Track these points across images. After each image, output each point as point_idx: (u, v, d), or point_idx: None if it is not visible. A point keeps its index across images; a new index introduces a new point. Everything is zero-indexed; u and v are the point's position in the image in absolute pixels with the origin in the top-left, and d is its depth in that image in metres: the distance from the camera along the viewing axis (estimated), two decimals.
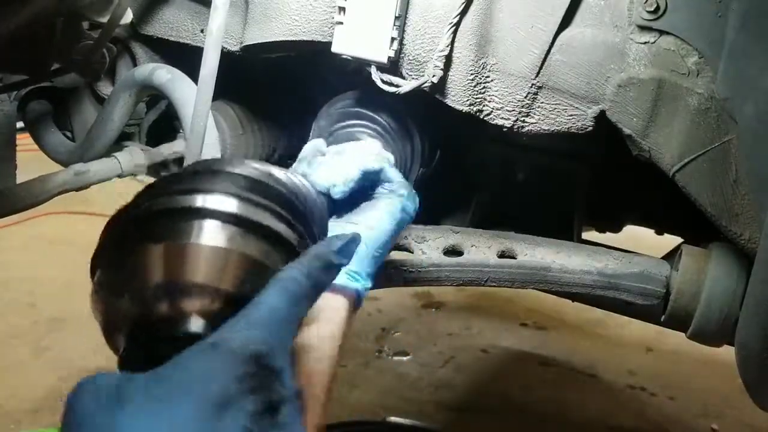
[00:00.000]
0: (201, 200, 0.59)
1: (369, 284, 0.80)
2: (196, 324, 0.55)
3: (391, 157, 0.95)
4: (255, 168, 0.64)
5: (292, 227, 0.62)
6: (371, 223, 0.83)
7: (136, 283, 0.56)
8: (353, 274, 0.78)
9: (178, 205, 0.58)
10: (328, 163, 0.88)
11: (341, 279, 0.76)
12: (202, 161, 0.69)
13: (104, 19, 1.00)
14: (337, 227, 0.80)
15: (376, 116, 1.07)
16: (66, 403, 0.49)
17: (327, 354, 0.70)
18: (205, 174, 0.62)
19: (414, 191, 0.91)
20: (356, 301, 0.78)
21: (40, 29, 0.99)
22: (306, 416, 0.59)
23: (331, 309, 0.73)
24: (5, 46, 0.89)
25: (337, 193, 0.84)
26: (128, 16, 1.05)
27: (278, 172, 0.66)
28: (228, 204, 0.59)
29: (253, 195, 0.61)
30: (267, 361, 0.50)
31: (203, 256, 0.56)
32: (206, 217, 0.58)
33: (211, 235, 0.57)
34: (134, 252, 0.57)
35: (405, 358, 2.57)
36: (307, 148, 0.92)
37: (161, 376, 0.48)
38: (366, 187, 0.88)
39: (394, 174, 0.90)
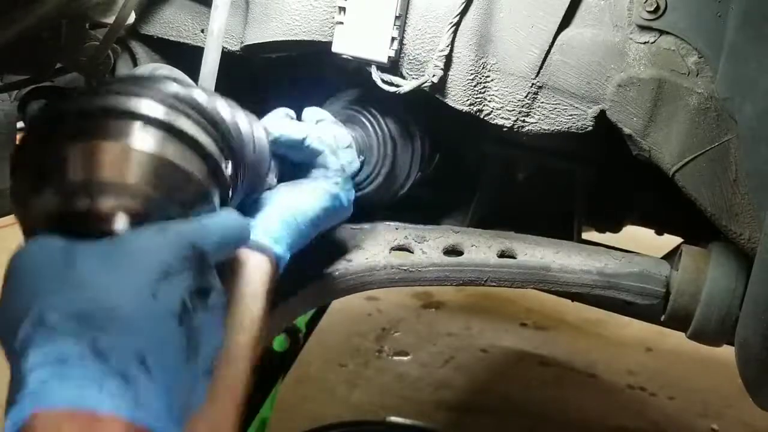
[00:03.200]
0: (125, 102, 0.59)
1: (288, 255, 0.78)
2: (117, 222, 0.55)
3: (345, 140, 0.99)
4: (187, 84, 0.65)
5: (216, 142, 0.63)
6: (301, 197, 0.85)
7: (55, 180, 0.56)
8: (276, 238, 0.77)
9: (100, 106, 0.58)
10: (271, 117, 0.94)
11: (264, 240, 0.75)
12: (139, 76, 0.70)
13: (109, 20, 1.00)
14: (268, 193, 0.83)
15: (377, 115, 1.07)
16: (10, 264, 0.52)
17: (251, 313, 0.69)
18: (134, 80, 0.63)
19: (351, 184, 0.93)
20: (276, 265, 0.77)
21: (45, 30, 0.99)
22: (227, 370, 0.61)
23: (253, 267, 0.72)
24: (11, 47, 0.89)
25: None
26: (131, 17, 1.05)
27: (218, 101, 0.67)
28: (152, 108, 0.59)
29: (179, 103, 0.61)
30: (204, 253, 0.56)
31: (124, 157, 0.56)
32: (130, 119, 0.58)
33: (133, 136, 0.57)
34: (53, 150, 0.57)
35: (405, 358, 2.58)
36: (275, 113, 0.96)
37: (112, 243, 0.52)
38: (304, 164, 0.93)
39: (332, 161, 0.94)
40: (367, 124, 1.07)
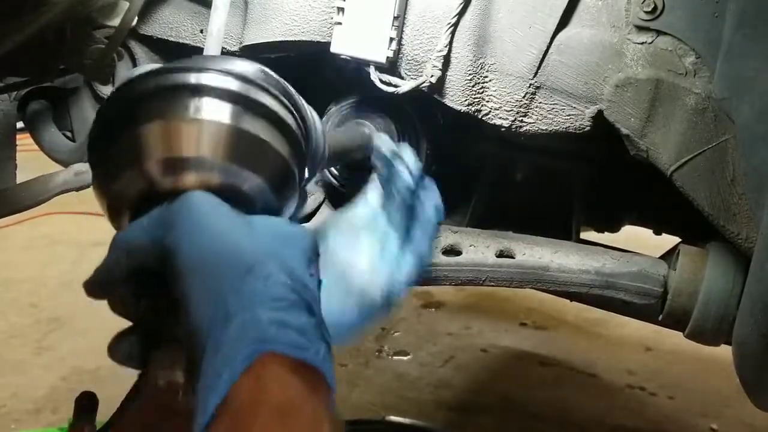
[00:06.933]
0: (196, 77, 0.59)
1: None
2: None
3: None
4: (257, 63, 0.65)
5: (291, 114, 0.64)
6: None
7: (137, 160, 0.57)
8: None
9: (173, 83, 0.59)
10: None
11: None
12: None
13: (113, 23, 1.01)
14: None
15: (385, 116, 1.07)
16: (177, 204, 0.54)
17: None
18: (203, 59, 0.64)
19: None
20: None
21: (49, 34, 0.99)
22: None
23: None
24: (17, 50, 0.90)
25: None
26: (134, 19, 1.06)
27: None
28: (226, 82, 0.59)
29: (253, 77, 0.62)
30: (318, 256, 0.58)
31: (203, 131, 0.57)
32: (203, 94, 0.58)
33: (209, 110, 0.58)
34: (131, 130, 0.57)
35: (405, 358, 2.58)
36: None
37: (268, 218, 0.57)
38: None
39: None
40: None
